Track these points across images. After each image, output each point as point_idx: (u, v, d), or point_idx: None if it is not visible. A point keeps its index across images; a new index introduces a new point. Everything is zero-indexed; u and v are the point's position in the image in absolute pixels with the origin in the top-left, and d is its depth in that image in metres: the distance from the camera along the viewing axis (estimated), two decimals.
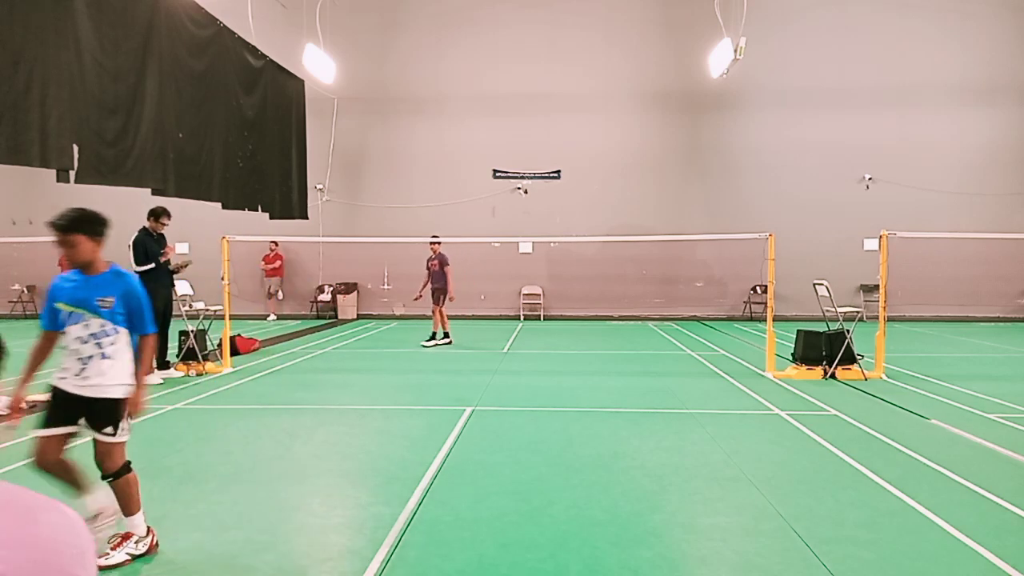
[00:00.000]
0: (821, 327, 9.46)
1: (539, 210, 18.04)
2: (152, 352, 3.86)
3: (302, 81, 14.55)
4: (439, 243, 12.65)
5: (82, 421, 3.58)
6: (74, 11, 7.23)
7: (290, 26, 16.65)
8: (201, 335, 9.80)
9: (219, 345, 10.08)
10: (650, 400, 7.67)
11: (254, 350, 11.65)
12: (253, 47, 11.92)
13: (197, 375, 9.32)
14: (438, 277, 12.53)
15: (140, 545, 3.66)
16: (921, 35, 17.45)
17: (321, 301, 18.34)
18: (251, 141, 11.85)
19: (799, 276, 14.77)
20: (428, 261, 12.70)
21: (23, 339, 15.79)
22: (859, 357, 8.96)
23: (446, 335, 12.68)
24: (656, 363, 10.55)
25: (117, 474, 3.63)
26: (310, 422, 6.67)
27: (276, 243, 17.51)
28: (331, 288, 18.32)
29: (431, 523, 4.10)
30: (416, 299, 12.87)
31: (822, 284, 9.14)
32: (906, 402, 7.48)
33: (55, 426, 3.55)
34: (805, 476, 5.01)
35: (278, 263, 17.97)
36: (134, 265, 8.84)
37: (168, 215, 9.13)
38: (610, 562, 3.57)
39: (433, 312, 12.64)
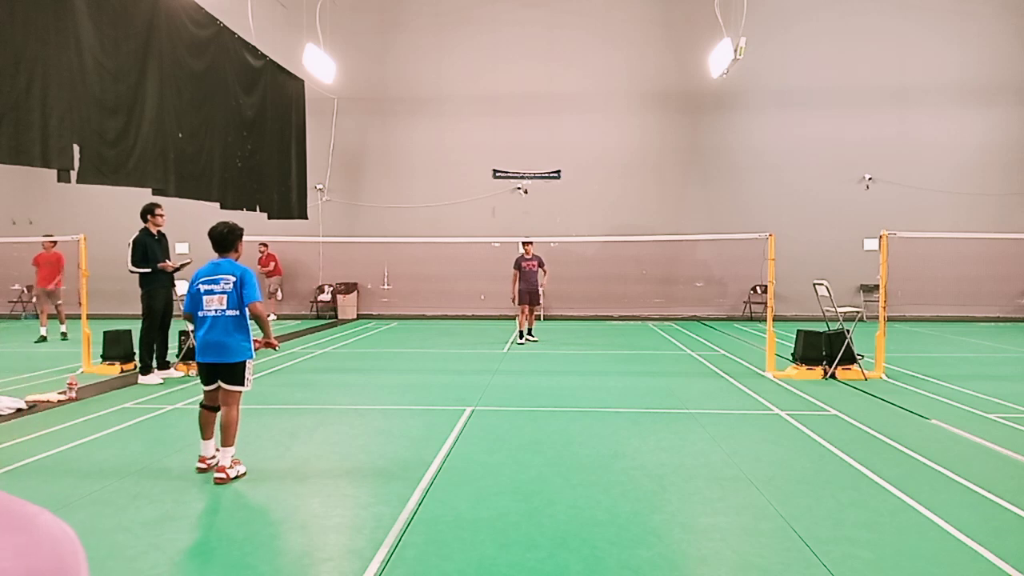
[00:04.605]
0: (821, 327, 9.46)
1: (539, 210, 18.04)
2: None
3: (302, 81, 14.55)
4: (532, 243, 12.77)
5: None
6: (74, 11, 7.23)
7: (290, 26, 16.66)
8: None
9: None
10: (650, 400, 7.67)
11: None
12: (253, 47, 11.92)
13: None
14: (535, 277, 12.65)
15: None
16: (921, 35, 17.45)
17: (321, 301, 18.33)
18: (251, 141, 11.85)
19: (799, 276, 14.78)
20: (523, 262, 12.65)
21: (23, 339, 15.59)
22: (859, 357, 8.96)
23: (529, 333, 12.92)
24: (656, 363, 10.55)
25: None
26: (310, 422, 6.68)
27: (266, 244, 17.43)
28: (331, 288, 18.32)
29: (431, 523, 4.10)
30: (521, 302, 12.75)
31: (822, 284, 9.14)
32: (906, 402, 7.48)
33: None
34: (805, 476, 5.01)
35: (272, 264, 17.88)
36: (130, 265, 8.70)
37: (159, 207, 8.97)
38: (610, 562, 3.57)
39: (530, 312, 12.83)
